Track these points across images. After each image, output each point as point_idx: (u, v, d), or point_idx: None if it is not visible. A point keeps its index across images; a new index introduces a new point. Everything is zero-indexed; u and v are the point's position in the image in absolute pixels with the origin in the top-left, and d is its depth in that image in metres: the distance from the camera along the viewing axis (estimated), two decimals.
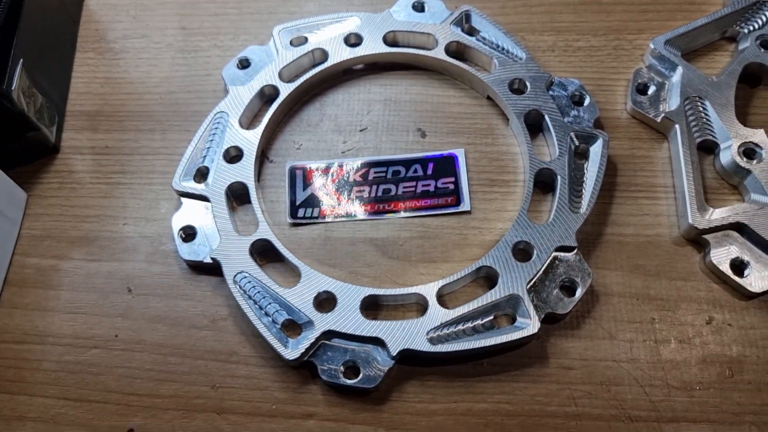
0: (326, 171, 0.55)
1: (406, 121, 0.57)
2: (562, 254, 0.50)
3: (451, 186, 0.54)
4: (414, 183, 0.55)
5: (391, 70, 0.60)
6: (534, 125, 0.56)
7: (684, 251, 0.52)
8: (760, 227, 0.50)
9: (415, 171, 0.55)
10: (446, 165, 0.55)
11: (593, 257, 0.51)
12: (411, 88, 0.59)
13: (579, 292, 0.49)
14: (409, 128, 0.57)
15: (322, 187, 0.55)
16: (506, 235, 0.51)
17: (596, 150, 0.54)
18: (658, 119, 0.55)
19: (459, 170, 0.55)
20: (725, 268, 0.50)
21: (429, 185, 0.55)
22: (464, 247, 0.52)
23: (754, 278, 0.50)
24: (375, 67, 0.60)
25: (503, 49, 0.58)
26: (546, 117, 0.55)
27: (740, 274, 0.50)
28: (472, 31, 0.60)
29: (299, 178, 0.55)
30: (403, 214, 0.54)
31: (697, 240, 0.52)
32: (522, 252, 0.50)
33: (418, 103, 0.58)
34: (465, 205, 0.54)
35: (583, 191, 0.52)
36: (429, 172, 0.55)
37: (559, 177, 0.52)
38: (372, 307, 0.50)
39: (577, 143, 0.54)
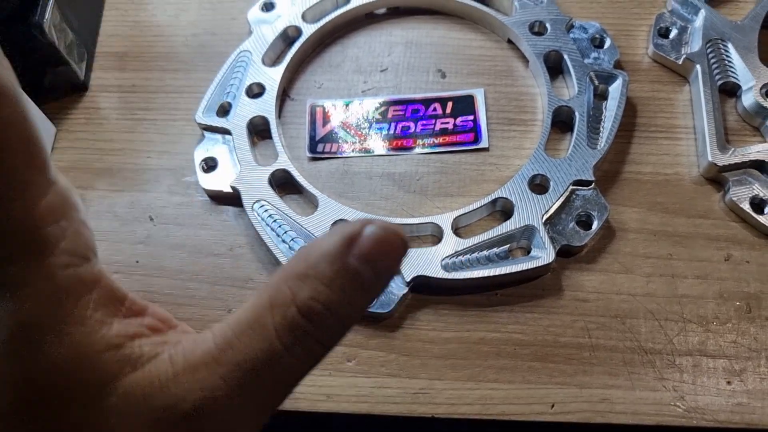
0: (346, 108, 0.56)
1: (427, 63, 0.58)
2: (580, 188, 0.50)
3: (470, 124, 0.55)
4: (433, 121, 0.55)
5: (413, 14, 0.60)
6: (553, 67, 0.56)
7: (703, 190, 0.51)
8: None
9: (434, 109, 0.55)
10: (465, 104, 0.55)
11: (611, 194, 0.51)
12: (432, 31, 0.59)
13: (595, 226, 0.49)
14: (430, 69, 0.57)
15: (341, 123, 0.55)
16: (523, 167, 0.51)
17: (616, 89, 0.54)
18: (680, 61, 0.55)
19: (478, 109, 0.55)
20: (745, 205, 0.50)
21: (448, 123, 0.55)
22: (481, 182, 0.52)
23: None
24: (398, 11, 0.61)
25: None
26: (566, 58, 0.55)
27: (760, 212, 0.50)
28: None
29: (319, 114, 0.56)
30: (421, 150, 0.54)
31: (717, 179, 0.52)
32: (538, 185, 0.51)
33: (438, 45, 0.58)
34: (483, 142, 0.54)
35: (602, 128, 0.52)
36: (448, 110, 0.55)
37: (577, 114, 0.52)
38: None
39: (596, 83, 0.54)
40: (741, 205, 0.50)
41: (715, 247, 0.49)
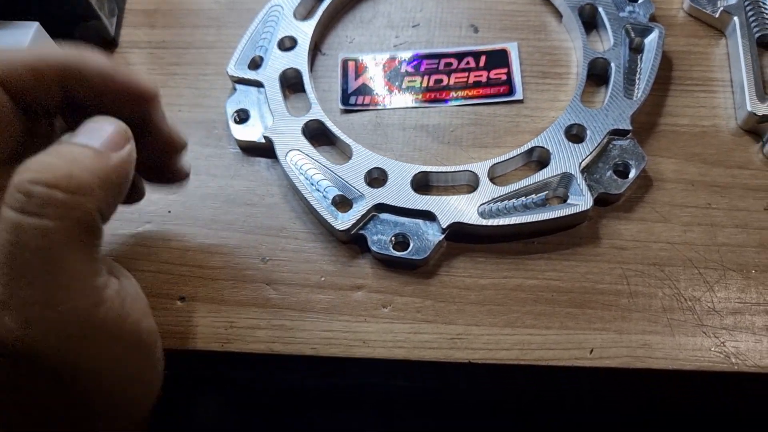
0: (378, 62, 0.56)
1: (459, 18, 0.57)
2: (617, 138, 0.49)
3: (504, 77, 0.54)
4: (466, 74, 0.55)
5: None
6: (588, 23, 0.55)
7: (742, 141, 0.51)
8: None
9: (467, 63, 0.55)
10: (499, 57, 0.55)
11: (647, 145, 0.51)
12: None
13: (632, 174, 0.48)
14: (462, 24, 0.57)
15: (373, 77, 0.55)
16: (559, 118, 0.50)
17: (651, 41, 0.53)
18: (716, 14, 0.55)
19: (512, 62, 0.55)
20: None
21: (481, 76, 0.54)
22: (516, 133, 0.52)
23: None
24: None
25: None
26: (600, 11, 0.54)
27: None
28: None
29: (351, 68, 0.56)
30: (454, 102, 0.53)
31: (755, 130, 0.51)
32: (575, 136, 0.50)
33: (471, 1, 0.58)
34: (518, 95, 0.53)
35: (637, 80, 0.52)
36: (481, 64, 0.55)
37: (613, 65, 0.52)
38: (423, 186, 0.50)
39: (632, 36, 0.53)
40: None
41: (753, 197, 0.49)
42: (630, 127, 0.49)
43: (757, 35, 0.54)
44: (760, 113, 0.50)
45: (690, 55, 0.55)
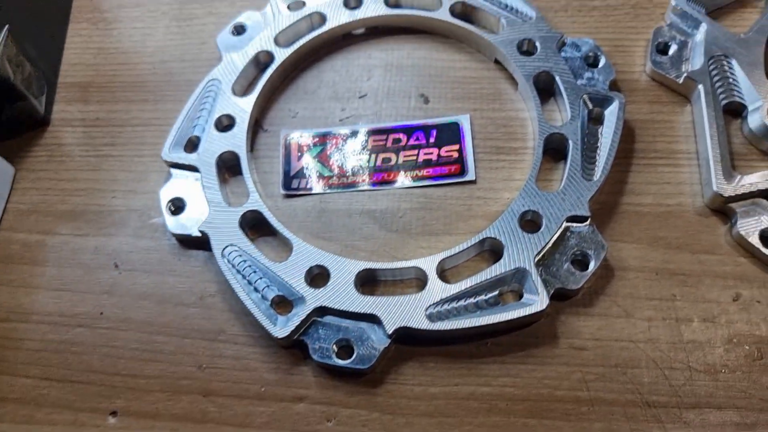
0: (323, 140, 0.52)
1: (408, 87, 0.54)
2: (574, 225, 0.46)
3: (455, 154, 0.51)
4: (416, 151, 0.51)
5: (393, 34, 0.57)
6: (544, 89, 0.52)
7: (708, 222, 0.47)
8: None
9: (417, 139, 0.52)
10: (450, 132, 0.51)
11: (608, 229, 0.47)
12: (414, 52, 0.55)
13: (592, 266, 0.45)
14: (412, 94, 0.54)
15: (317, 156, 0.51)
16: (512, 203, 0.47)
17: (612, 113, 0.50)
18: (680, 80, 0.51)
19: (464, 137, 0.51)
20: (754, 239, 0.46)
21: (431, 154, 0.51)
22: (468, 218, 0.49)
23: None
24: (377, 30, 0.57)
25: (512, 8, 0.54)
26: (557, 79, 0.51)
27: None
28: None
29: (294, 147, 0.52)
30: (403, 184, 0.50)
31: (723, 210, 0.48)
32: (530, 222, 0.47)
33: (421, 67, 0.55)
34: (470, 174, 0.50)
35: (597, 157, 0.48)
36: (432, 139, 0.51)
37: (570, 142, 0.48)
38: (368, 282, 0.46)
39: (590, 106, 0.50)
40: (749, 239, 0.46)
41: (722, 286, 0.46)
42: (588, 213, 0.46)
43: (723, 102, 0.50)
44: (726, 194, 0.46)
45: (653, 124, 0.51)
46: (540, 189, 0.47)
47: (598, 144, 0.49)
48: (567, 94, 0.50)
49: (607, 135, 0.49)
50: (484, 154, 0.51)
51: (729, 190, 0.47)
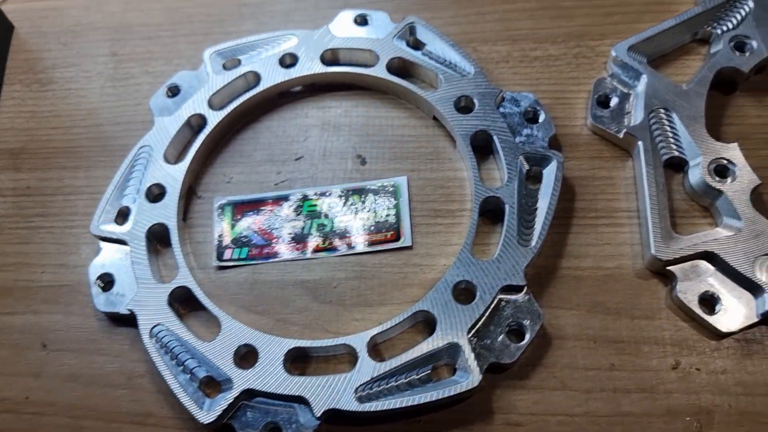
0: (256, 206, 0.51)
1: (345, 147, 0.52)
2: (510, 294, 0.45)
3: (392, 219, 0.49)
4: (351, 216, 0.50)
5: (331, 91, 0.55)
6: (484, 147, 0.51)
7: (648, 285, 0.46)
8: (732, 256, 0.44)
9: (354, 203, 0.50)
10: (387, 195, 0.50)
11: (546, 295, 0.46)
12: (352, 109, 0.54)
13: (527, 338, 0.44)
14: (348, 155, 0.52)
15: (251, 224, 0.50)
16: (446, 274, 0.45)
17: (549, 173, 0.48)
18: (620, 135, 0.50)
19: (400, 200, 0.50)
20: (693, 304, 0.44)
21: (368, 219, 0.50)
22: (404, 287, 0.47)
23: (726, 315, 0.44)
24: (314, 88, 0.55)
25: (450, 63, 0.53)
26: (494, 138, 0.50)
27: (711, 311, 0.44)
28: (417, 45, 0.55)
29: (228, 215, 0.51)
30: (338, 251, 0.49)
31: (663, 272, 0.46)
32: (464, 293, 0.45)
33: (358, 126, 0.53)
34: (405, 240, 0.49)
35: (535, 220, 0.47)
36: (368, 203, 0.50)
37: (507, 206, 0.47)
38: (299, 360, 0.45)
39: (528, 166, 0.49)
40: (689, 304, 0.45)
41: (661, 353, 0.44)
42: (524, 282, 0.45)
43: (664, 158, 0.49)
44: (664, 258, 0.45)
45: (594, 181, 0.50)
46: (475, 256, 0.46)
47: (536, 206, 0.47)
48: (504, 153, 0.49)
49: (545, 196, 0.48)
50: (421, 218, 0.50)
51: (668, 252, 0.45)
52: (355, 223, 0.50)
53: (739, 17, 0.52)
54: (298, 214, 0.50)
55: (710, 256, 0.45)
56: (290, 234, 0.50)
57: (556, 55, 0.54)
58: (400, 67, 0.54)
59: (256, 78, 0.54)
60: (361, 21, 0.56)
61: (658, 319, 0.45)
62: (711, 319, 0.44)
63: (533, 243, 0.46)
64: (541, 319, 0.44)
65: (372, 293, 0.48)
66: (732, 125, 0.51)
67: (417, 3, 0.58)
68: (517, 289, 0.45)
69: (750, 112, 0.51)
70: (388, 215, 0.50)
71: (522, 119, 0.51)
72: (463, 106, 0.52)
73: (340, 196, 0.50)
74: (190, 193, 0.52)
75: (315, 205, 0.51)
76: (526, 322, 0.44)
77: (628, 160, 0.50)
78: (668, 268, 0.46)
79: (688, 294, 0.45)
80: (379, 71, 0.53)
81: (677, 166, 0.49)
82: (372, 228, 0.49)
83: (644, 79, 0.51)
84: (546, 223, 0.46)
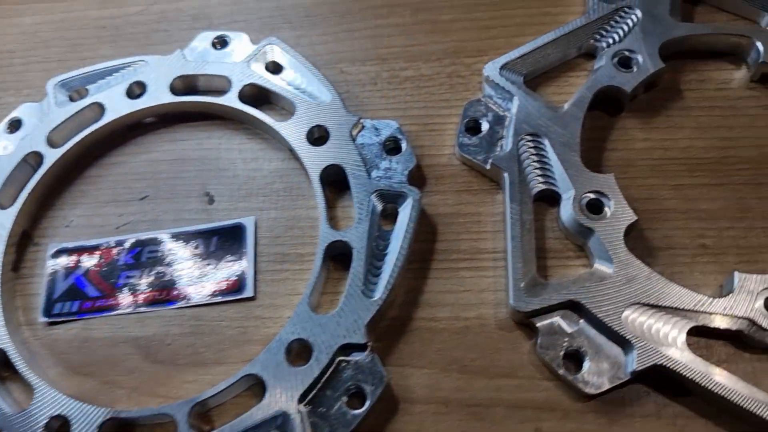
0: (93, 253, 0.46)
1: (193, 184, 0.48)
2: (352, 354, 0.40)
3: (235, 266, 0.44)
4: (193, 263, 0.45)
5: (185, 121, 0.50)
6: (340, 183, 0.45)
7: (511, 338, 0.41)
8: (600, 307, 0.39)
9: (197, 247, 0.46)
10: (233, 238, 0.45)
11: (396, 351, 0.41)
12: (204, 141, 0.49)
13: (367, 404, 0.39)
14: (195, 192, 0.48)
15: (86, 273, 0.46)
16: (281, 331, 0.40)
17: (405, 212, 0.43)
18: (487, 166, 0.44)
19: (246, 244, 0.45)
20: (557, 362, 0.39)
21: (210, 265, 0.45)
22: (243, 344, 0.42)
23: (593, 374, 0.39)
24: (167, 118, 0.50)
25: (306, 89, 0.47)
26: (347, 173, 0.44)
27: (576, 369, 0.39)
28: (277, 69, 0.49)
29: (62, 264, 0.46)
30: (176, 303, 0.44)
31: (527, 323, 0.41)
32: (299, 353, 0.41)
33: (209, 160, 0.48)
34: (248, 290, 0.44)
35: (383, 269, 0.42)
36: (212, 248, 0.45)
37: (354, 250, 0.42)
38: (120, 430, 0.40)
39: (382, 204, 0.43)
40: (552, 362, 0.39)
41: (521, 418, 0.39)
42: (364, 340, 0.40)
43: (535, 191, 0.43)
44: (523, 309, 0.40)
45: (459, 218, 0.45)
46: (315, 310, 0.41)
47: (387, 251, 0.42)
48: (355, 190, 0.44)
49: (397, 239, 0.42)
50: (267, 263, 0.45)
51: (528, 303, 0.40)
52: (195, 271, 0.45)
53: (625, 29, 0.47)
54: (137, 262, 0.45)
55: (578, 306, 0.40)
56: (126, 284, 0.45)
57: (429, 74, 0.49)
58: (255, 95, 0.49)
59: (101, 110, 0.49)
60: (220, 43, 0.51)
61: (519, 377, 0.40)
62: (576, 379, 0.39)
63: (378, 294, 0.41)
64: (383, 382, 0.39)
65: (208, 351, 0.43)
66: (616, 150, 0.45)
67: (286, 21, 0.53)
68: (361, 348, 0.40)
69: (636, 135, 0.46)
70: (231, 261, 0.45)
71: (381, 150, 0.46)
72: (317, 137, 0.46)
73: (183, 241, 0.46)
74: (25, 239, 0.47)
75: (155, 251, 0.46)
76: (367, 386, 0.39)
77: (499, 193, 0.45)
78: (531, 319, 0.40)
79: (551, 351, 0.40)
80: (231, 99, 0.48)
81: (553, 199, 0.44)
82: (213, 276, 0.44)
83: (516, 101, 0.45)
84: (395, 271, 0.41)
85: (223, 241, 0.46)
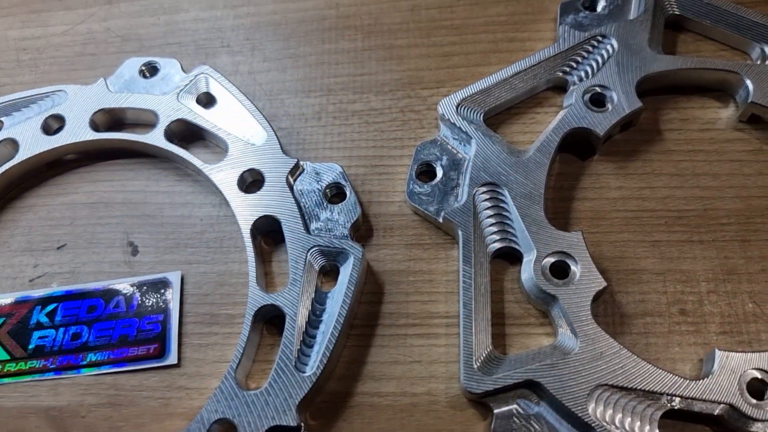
0: (3, 309, 0.41)
1: (116, 232, 0.43)
2: None
3: (158, 328, 0.39)
4: (112, 324, 0.40)
5: (109, 159, 0.45)
6: (276, 233, 0.40)
7: (463, 419, 0.36)
8: (562, 389, 0.34)
9: (117, 306, 0.40)
10: (156, 296, 0.40)
11: (335, 430, 0.36)
12: (130, 183, 0.44)
13: None
14: (118, 242, 0.42)
15: None
16: (203, 409, 0.36)
17: (346, 271, 0.38)
18: (441, 218, 0.39)
19: (170, 303, 0.40)
20: None
21: (130, 326, 0.40)
22: (164, 418, 0.38)
23: None
24: (89, 156, 0.45)
25: (238, 126, 0.42)
26: (282, 226, 0.39)
27: None
28: (210, 101, 0.44)
29: None
30: (92, 370, 0.39)
31: (483, 402, 0.36)
32: None
33: (134, 204, 0.43)
34: (171, 357, 0.39)
35: (317, 339, 0.37)
36: (133, 307, 0.40)
37: (287, 317, 0.37)
38: None
39: (321, 262, 0.38)
40: None
41: None
42: (296, 422, 0.35)
43: (492, 249, 0.38)
44: (475, 391, 0.35)
45: (409, 276, 0.40)
46: (240, 386, 0.36)
47: (323, 317, 0.37)
48: (291, 246, 0.39)
49: (335, 302, 0.37)
50: (194, 325, 0.40)
51: (485, 382, 0.35)
52: (115, 332, 0.40)
53: (599, 60, 0.42)
54: (51, 321, 0.40)
55: (536, 386, 0.35)
56: (39, 346, 0.40)
57: (380, 108, 0.44)
58: (184, 131, 0.44)
59: (15, 146, 0.44)
60: (149, 71, 0.46)
61: None
62: None
63: (311, 369, 0.36)
64: None
65: (126, 425, 0.38)
66: (586, 200, 0.40)
67: (224, 45, 0.47)
68: (293, 430, 0.35)
69: (610, 182, 0.41)
70: (153, 322, 0.40)
71: (322, 198, 0.40)
72: (251, 182, 0.41)
73: (103, 297, 0.41)
74: None
75: (72, 309, 0.41)
76: None
77: (454, 248, 0.40)
78: (485, 399, 0.35)
79: None
80: (157, 137, 0.43)
81: (514, 256, 0.39)
82: (134, 339, 0.39)
83: (474, 144, 0.40)
84: (330, 341, 0.36)
85: (146, 298, 0.41)
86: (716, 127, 0.42)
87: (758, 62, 0.42)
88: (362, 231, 0.41)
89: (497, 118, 0.42)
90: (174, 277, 0.41)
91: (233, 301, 0.40)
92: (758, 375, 0.35)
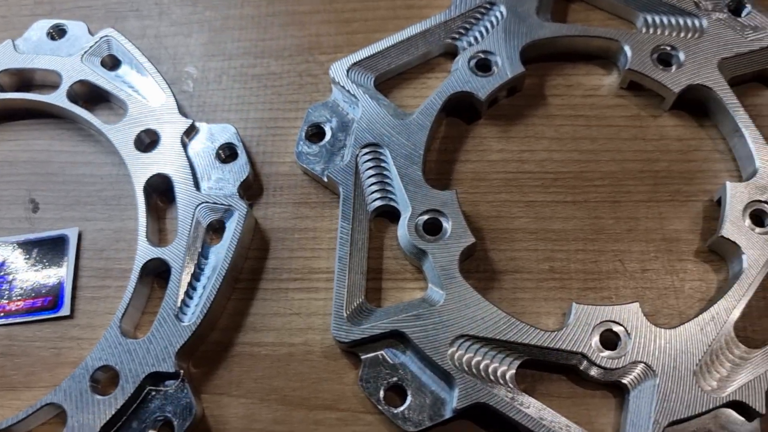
0: None
1: (19, 190, 0.44)
2: (164, 383, 0.37)
3: (53, 281, 0.41)
4: (9, 278, 0.42)
5: (14, 120, 0.46)
6: (169, 192, 0.42)
7: (336, 368, 0.38)
8: (425, 339, 0.36)
9: (15, 261, 0.42)
10: (54, 251, 0.42)
11: (215, 378, 0.38)
12: (34, 142, 0.45)
13: None
14: (20, 199, 0.44)
15: None
16: (87, 357, 0.37)
17: (230, 227, 0.39)
18: (325, 178, 0.41)
19: (67, 258, 0.41)
20: (377, 396, 0.36)
21: (27, 281, 0.41)
22: (55, 366, 0.39)
23: (414, 410, 0.36)
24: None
25: (139, 88, 0.43)
26: (173, 184, 0.41)
27: (399, 403, 0.36)
28: (115, 64, 0.45)
29: None
30: None
31: (354, 351, 0.38)
32: (106, 381, 0.38)
33: (38, 163, 0.45)
34: (64, 309, 0.41)
35: (199, 290, 0.38)
36: (31, 262, 0.42)
37: (172, 269, 0.38)
38: None
39: (209, 219, 0.40)
40: (371, 397, 0.36)
41: None
42: (174, 369, 0.37)
43: (372, 207, 0.40)
44: (343, 340, 0.37)
45: (294, 233, 0.41)
46: (130, 334, 0.38)
47: (206, 271, 0.39)
48: (181, 203, 0.40)
49: (218, 255, 0.39)
50: (89, 279, 0.41)
51: (353, 332, 0.37)
52: (12, 286, 0.41)
53: (489, 27, 0.43)
54: None
55: (403, 336, 0.37)
56: None
57: (278, 72, 0.45)
58: (87, 93, 0.45)
59: None
60: (57, 33, 0.47)
61: (341, 410, 0.37)
62: (396, 415, 0.36)
63: (191, 318, 0.38)
64: (192, 414, 0.36)
65: (18, 374, 0.40)
66: (469, 162, 0.42)
67: (133, 9, 0.49)
68: (175, 376, 0.37)
69: (492, 145, 0.42)
70: (50, 276, 0.41)
71: (214, 159, 0.42)
72: (148, 142, 0.43)
73: (3, 252, 0.42)
74: None
75: None
76: (175, 418, 0.36)
77: (337, 207, 0.41)
78: (355, 349, 0.37)
79: (372, 384, 0.37)
80: (60, 97, 0.44)
81: (395, 216, 0.40)
82: (29, 292, 0.41)
83: (360, 106, 0.41)
84: (211, 293, 0.38)
85: (44, 253, 0.42)
86: (599, 94, 0.43)
87: (642, 31, 0.44)
88: (254, 190, 0.42)
89: (390, 82, 0.44)
90: (71, 234, 0.43)
91: (127, 256, 0.42)
92: (612, 327, 0.36)
